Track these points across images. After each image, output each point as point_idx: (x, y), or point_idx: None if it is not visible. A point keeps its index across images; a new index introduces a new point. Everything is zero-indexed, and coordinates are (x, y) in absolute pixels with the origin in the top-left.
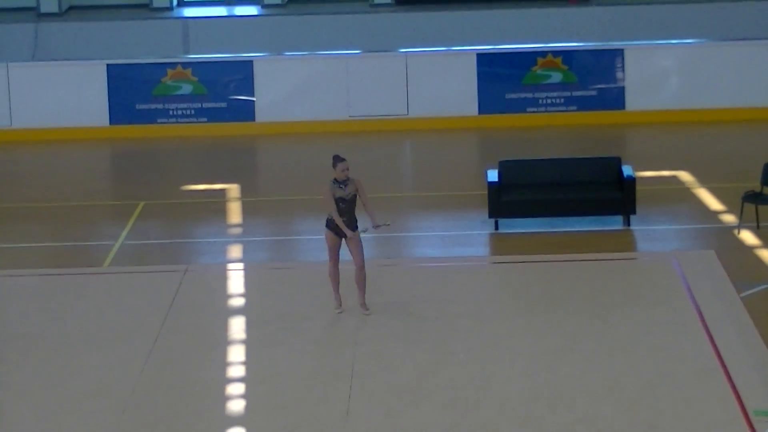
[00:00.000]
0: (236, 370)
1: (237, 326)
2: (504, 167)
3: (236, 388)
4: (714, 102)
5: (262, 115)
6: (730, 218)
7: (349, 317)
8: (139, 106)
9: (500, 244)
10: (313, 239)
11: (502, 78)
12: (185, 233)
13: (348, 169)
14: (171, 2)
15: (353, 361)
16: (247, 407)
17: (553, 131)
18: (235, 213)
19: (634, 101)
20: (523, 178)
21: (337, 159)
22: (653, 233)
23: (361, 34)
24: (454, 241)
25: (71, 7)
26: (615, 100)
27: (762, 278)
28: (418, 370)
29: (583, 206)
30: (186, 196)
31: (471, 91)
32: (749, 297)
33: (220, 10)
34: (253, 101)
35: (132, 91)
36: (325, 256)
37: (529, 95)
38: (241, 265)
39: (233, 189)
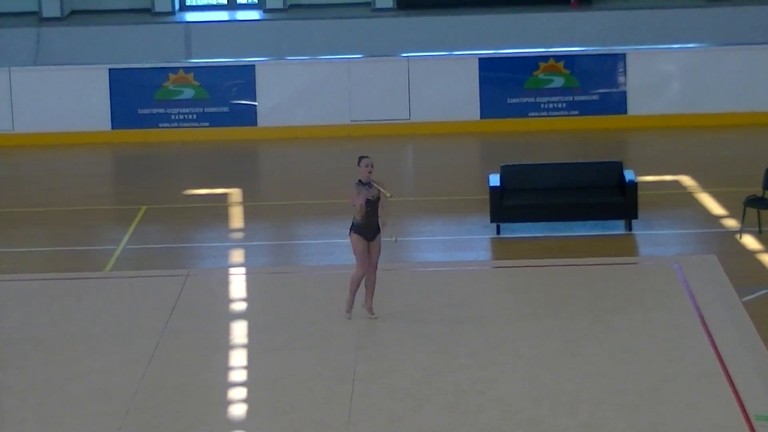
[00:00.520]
0: (238, 375)
1: (239, 330)
2: (506, 172)
3: (238, 392)
4: (716, 107)
5: (264, 119)
6: (731, 223)
7: (352, 321)
8: (141, 111)
9: (502, 249)
10: (315, 243)
11: (504, 82)
12: (187, 238)
13: (371, 166)
14: (173, 7)
15: (355, 364)
16: (248, 411)
17: (555, 136)
18: (236, 217)
19: (635, 106)
20: (524, 182)
21: (361, 157)
22: (655, 238)
23: (363, 38)
24: (456, 245)
25: (73, 12)
26: (617, 104)
27: (764, 283)
28: (420, 374)
29: (584, 211)
30: (188, 200)
31: (473, 96)
32: (751, 301)
33: (222, 15)
34: (255, 106)
35: (134, 96)
36: (328, 260)
37: (531, 100)
38: (242, 270)
39: (235, 193)
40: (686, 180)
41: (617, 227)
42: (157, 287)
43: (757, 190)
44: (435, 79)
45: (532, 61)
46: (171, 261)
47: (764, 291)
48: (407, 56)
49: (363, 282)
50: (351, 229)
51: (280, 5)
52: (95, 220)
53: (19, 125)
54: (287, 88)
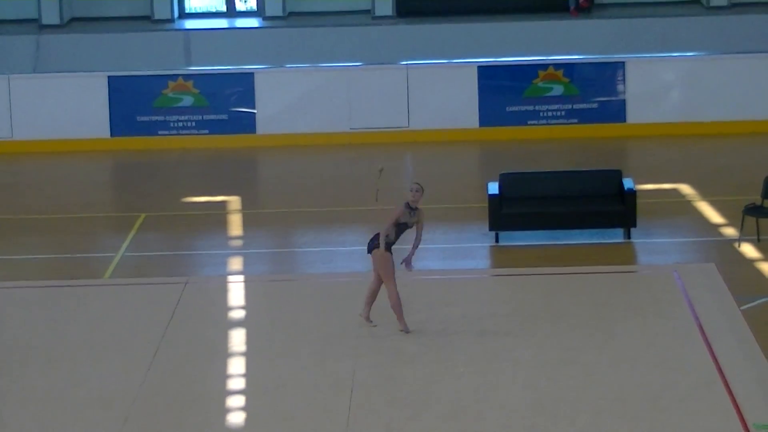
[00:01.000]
0: (237, 382)
1: (238, 338)
2: (505, 180)
3: (237, 400)
4: (715, 115)
5: (263, 127)
6: (730, 231)
7: (350, 329)
8: (140, 118)
9: (501, 257)
10: (315, 251)
11: (503, 90)
12: (186, 245)
13: (419, 193)
14: (172, 14)
15: (354, 372)
16: (247, 419)
17: (554, 144)
18: (235, 225)
19: (635, 114)
20: (523, 190)
21: (414, 184)
22: (654, 246)
23: (363, 46)
24: (455, 253)
25: (73, 19)
26: (616, 112)
27: (762, 291)
28: (419, 382)
29: (583, 219)
30: (187, 208)
31: (472, 104)
32: (750, 310)
33: (222, 23)
34: (254, 113)
35: (133, 103)
36: (327, 268)
37: (530, 108)
38: (241, 277)
39: (234, 201)
40: (685, 188)
41: (616, 235)
42: (156, 294)
43: (756, 198)
44: (434, 87)
45: (532, 69)
46: (170, 268)
47: (763, 299)
48: (406, 64)
49: (368, 292)
50: (387, 248)
51: (279, 13)
52: (94, 228)
53: (19, 133)
54: (287, 95)
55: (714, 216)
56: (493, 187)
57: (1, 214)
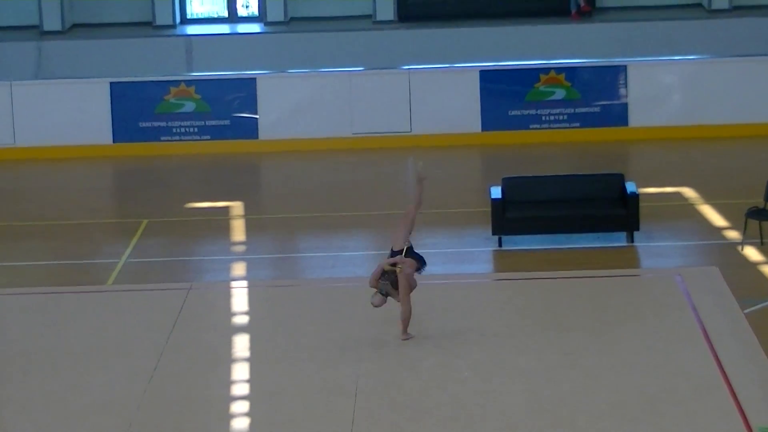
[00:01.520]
0: (240, 388)
1: (241, 344)
2: (507, 184)
3: (240, 406)
4: (717, 118)
5: (265, 132)
6: (733, 234)
7: (353, 334)
8: (142, 124)
9: (504, 261)
10: (317, 256)
11: (505, 95)
12: (189, 251)
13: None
14: (174, 20)
15: (356, 377)
16: (250, 424)
17: (556, 148)
18: (238, 230)
19: (637, 117)
20: (526, 194)
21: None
22: (657, 249)
23: (364, 51)
24: (458, 258)
25: (74, 25)
26: (618, 116)
27: (766, 294)
28: (421, 387)
29: (586, 223)
30: (189, 213)
31: (474, 108)
32: (753, 313)
33: (223, 28)
34: (257, 119)
35: (135, 109)
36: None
37: (532, 112)
38: (244, 283)
39: (237, 206)
40: (688, 192)
41: (619, 239)
42: (159, 301)
43: (759, 201)
44: (436, 92)
45: (533, 74)
46: (173, 274)
47: (766, 302)
48: (408, 69)
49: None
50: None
51: (281, 18)
52: (96, 234)
53: (21, 139)
54: (288, 100)
55: (717, 219)
56: (496, 191)
57: (4, 220)
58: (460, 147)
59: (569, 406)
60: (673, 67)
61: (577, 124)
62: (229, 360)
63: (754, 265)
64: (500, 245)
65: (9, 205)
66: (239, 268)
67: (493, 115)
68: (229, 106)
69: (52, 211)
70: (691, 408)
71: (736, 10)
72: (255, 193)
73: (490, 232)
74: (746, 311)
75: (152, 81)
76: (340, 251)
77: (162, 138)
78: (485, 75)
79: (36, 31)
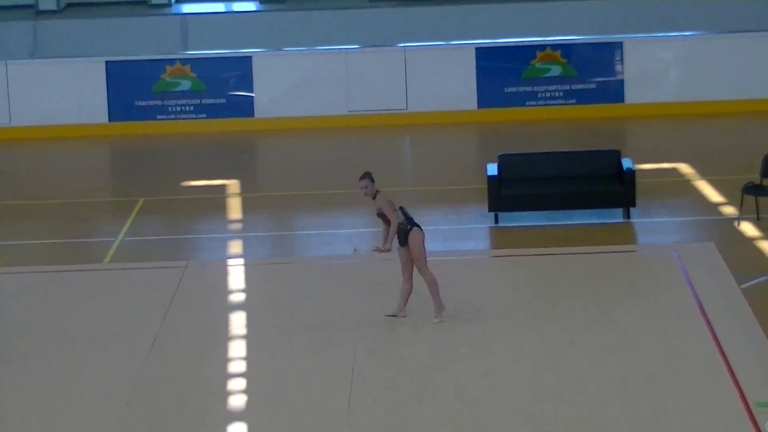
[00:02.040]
0: (237, 366)
1: (237, 322)
2: (503, 161)
3: (237, 384)
4: (713, 94)
5: (261, 110)
6: (730, 210)
7: (350, 313)
8: (139, 103)
9: (500, 238)
10: (314, 234)
11: (501, 72)
12: (185, 229)
13: (366, 188)
14: None
15: (354, 356)
16: (248, 403)
17: (553, 125)
18: (234, 209)
19: (633, 94)
20: (522, 171)
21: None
22: (653, 226)
23: (360, 29)
24: (454, 235)
25: (69, 5)
26: (614, 93)
27: (762, 270)
28: (419, 366)
29: (583, 199)
30: (186, 192)
31: (470, 86)
32: (750, 289)
33: (219, 6)
34: (252, 97)
35: (131, 88)
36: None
37: (529, 89)
38: (241, 261)
39: (233, 185)
40: (684, 168)
41: (615, 216)
42: (156, 279)
43: (755, 177)
44: (432, 69)
45: (529, 51)
46: (169, 253)
47: (763, 278)
48: (404, 46)
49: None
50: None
51: None
52: (93, 213)
53: (17, 119)
54: (284, 79)
55: (713, 195)
56: (492, 169)
57: (0, 200)
58: (456, 124)
59: (567, 383)
60: (669, 43)
61: (574, 101)
62: (225, 338)
63: (750, 241)
64: (496, 222)
65: (5, 185)
66: (236, 247)
67: (490, 93)
68: (224, 85)
69: (48, 190)
70: (689, 384)
71: None
72: (251, 171)
73: (486, 209)
74: (743, 287)
75: (148, 60)
76: (337, 229)
77: (158, 117)
78: (481, 52)
79: (32, 11)
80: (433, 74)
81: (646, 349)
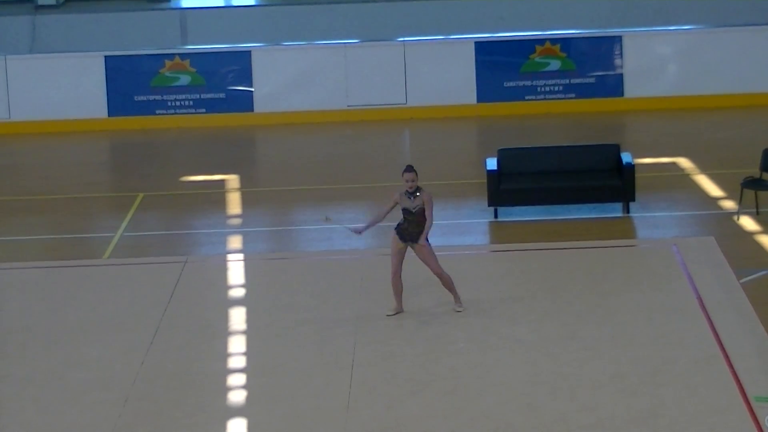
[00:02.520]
0: (237, 361)
1: (237, 317)
2: (503, 155)
3: (237, 379)
4: (713, 88)
5: (260, 105)
6: (729, 204)
7: (349, 307)
8: (138, 98)
9: (499, 233)
10: (313, 229)
11: (500, 66)
12: (184, 224)
13: (413, 181)
14: None
15: (354, 350)
16: (247, 398)
17: (552, 119)
18: (234, 204)
19: (632, 88)
20: (522, 166)
21: (405, 169)
22: (653, 220)
23: (359, 23)
24: (454, 229)
25: None
26: (613, 87)
27: (762, 264)
28: (418, 359)
29: (582, 194)
30: (185, 187)
31: (469, 80)
32: (749, 283)
33: (218, 1)
34: (252, 91)
35: (130, 83)
36: (326, 245)
37: (528, 83)
38: (240, 256)
39: (232, 180)
40: (684, 162)
41: (615, 210)
42: (155, 274)
43: (755, 171)
44: (431, 64)
45: (529, 45)
46: (169, 248)
47: (762, 272)
48: (403, 40)
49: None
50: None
51: None
52: (92, 208)
53: (16, 113)
54: (283, 73)
55: (713, 189)
56: (492, 163)
57: None
58: (455, 119)
59: (566, 376)
60: (668, 37)
61: (573, 95)
62: (225, 333)
63: (750, 235)
64: (496, 217)
65: (4, 180)
66: (235, 241)
67: (489, 87)
68: (224, 79)
69: (47, 185)
70: (687, 378)
71: None
72: (250, 166)
73: (485, 203)
74: (742, 281)
75: (147, 54)
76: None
77: (157, 111)
78: (481, 46)
79: (31, 5)
80: (433, 68)
81: (645, 342)
